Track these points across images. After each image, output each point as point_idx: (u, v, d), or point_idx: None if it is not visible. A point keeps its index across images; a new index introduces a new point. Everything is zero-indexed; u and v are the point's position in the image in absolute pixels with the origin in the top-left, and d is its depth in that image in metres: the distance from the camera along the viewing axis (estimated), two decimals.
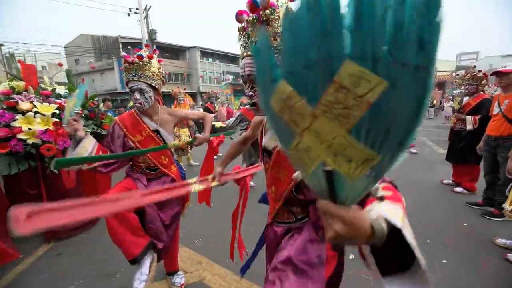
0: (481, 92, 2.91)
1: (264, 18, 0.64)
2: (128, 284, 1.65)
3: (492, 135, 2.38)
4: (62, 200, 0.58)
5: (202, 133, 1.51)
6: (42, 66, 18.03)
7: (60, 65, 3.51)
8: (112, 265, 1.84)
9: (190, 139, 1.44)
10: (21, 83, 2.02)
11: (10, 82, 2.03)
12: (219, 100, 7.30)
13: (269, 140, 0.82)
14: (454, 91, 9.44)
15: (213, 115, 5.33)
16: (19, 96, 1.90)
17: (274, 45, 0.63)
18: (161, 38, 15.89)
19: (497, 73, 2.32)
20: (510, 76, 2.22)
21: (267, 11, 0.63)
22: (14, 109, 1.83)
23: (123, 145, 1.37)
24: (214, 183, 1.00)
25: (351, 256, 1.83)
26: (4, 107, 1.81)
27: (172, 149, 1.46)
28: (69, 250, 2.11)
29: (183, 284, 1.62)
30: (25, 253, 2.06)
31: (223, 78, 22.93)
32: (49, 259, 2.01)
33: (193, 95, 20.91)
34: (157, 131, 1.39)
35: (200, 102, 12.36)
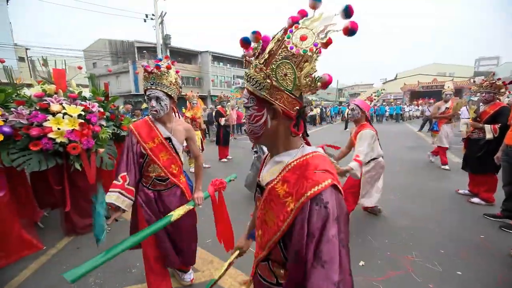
0: (497, 100, 2.83)
1: (253, 52, 0.64)
2: (143, 278, 1.73)
3: (511, 144, 2.31)
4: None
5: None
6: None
7: (80, 68, 3.72)
8: (128, 260, 1.93)
9: (191, 201, 1.42)
10: (52, 87, 2.18)
11: (42, 86, 2.20)
12: (229, 103, 7.45)
13: (265, 174, 0.71)
14: (472, 98, 9.04)
15: (224, 118, 5.50)
16: (50, 98, 2.05)
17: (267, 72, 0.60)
18: (174, 43, 16.41)
19: None
20: None
21: (256, 45, 0.63)
22: (46, 110, 1.99)
23: (135, 152, 1.37)
24: (234, 256, 1.00)
25: (361, 263, 1.83)
26: (37, 108, 1.97)
27: (181, 156, 1.49)
28: (87, 244, 2.23)
29: (192, 279, 1.69)
30: (47, 245, 2.19)
31: (233, 82, 23.26)
32: (70, 252, 2.13)
33: (203, 98, 21.28)
34: (169, 139, 1.40)
35: (210, 106, 12.57)
